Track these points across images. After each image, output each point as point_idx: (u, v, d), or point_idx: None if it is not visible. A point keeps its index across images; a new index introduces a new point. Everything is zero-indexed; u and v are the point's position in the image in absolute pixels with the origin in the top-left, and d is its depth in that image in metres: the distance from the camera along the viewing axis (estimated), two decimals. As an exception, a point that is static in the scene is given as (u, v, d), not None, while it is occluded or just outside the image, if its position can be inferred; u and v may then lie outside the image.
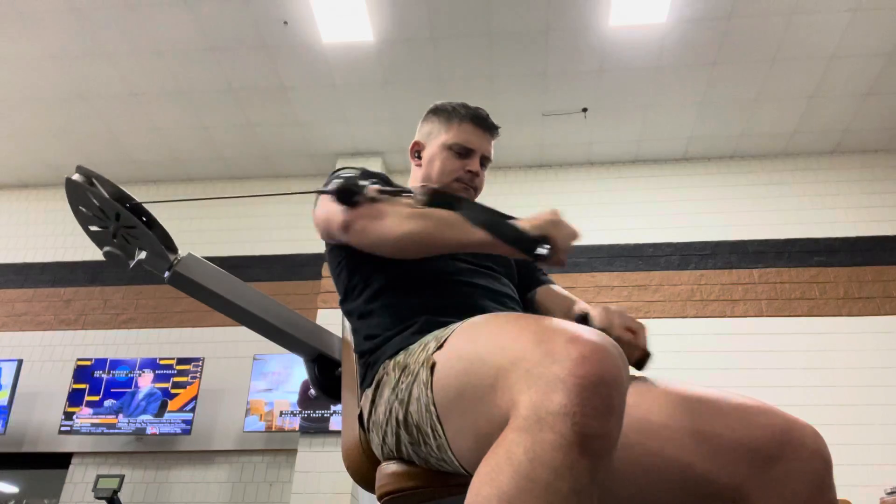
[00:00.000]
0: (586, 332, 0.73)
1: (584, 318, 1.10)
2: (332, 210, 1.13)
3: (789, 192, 4.83)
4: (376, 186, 1.08)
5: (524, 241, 1.00)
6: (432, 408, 0.90)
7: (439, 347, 0.94)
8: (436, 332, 1.01)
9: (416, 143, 1.42)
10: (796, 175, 4.89)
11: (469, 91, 4.41)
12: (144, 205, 1.20)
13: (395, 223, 1.07)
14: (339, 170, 1.30)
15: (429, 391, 0.91)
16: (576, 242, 1.02)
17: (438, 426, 0.90)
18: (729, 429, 0.89)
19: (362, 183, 1.08)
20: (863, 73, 4.22)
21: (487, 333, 0.86)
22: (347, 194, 1.07)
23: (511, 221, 1.03)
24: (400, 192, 1.10)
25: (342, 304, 1.29)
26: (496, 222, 1.02)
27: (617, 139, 4.87)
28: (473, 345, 0.87)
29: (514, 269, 1.37)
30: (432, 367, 0.92)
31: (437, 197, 1.09)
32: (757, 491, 0.86)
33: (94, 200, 1.15)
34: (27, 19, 3.96)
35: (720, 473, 0.87)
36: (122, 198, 1.17)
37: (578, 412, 0.65)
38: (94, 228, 1.21)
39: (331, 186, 1.08)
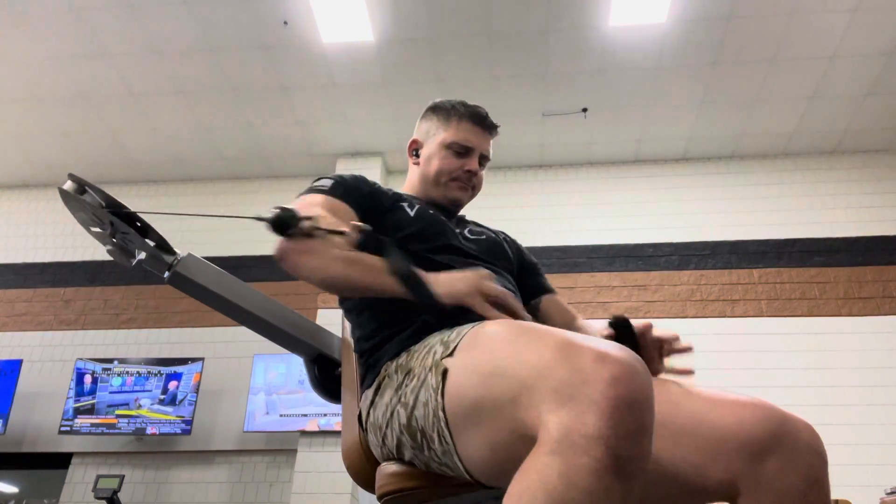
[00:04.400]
0: (613, 350, 0.72)
1: (624, 325, 1.08)
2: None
3: (789, 192, 4.83)
4: (310, 223, 1.08)
5: (434, 307, 1.03)
6: (441, 413, 0.90)
7: (450, 354, 0.93)
8: (440, 336, 1.00)
9: (415, 142, 1.41)
10: (796, 175, 4.89)
11: (469, 91, 4.41)
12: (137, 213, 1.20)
13: (323, 264, 1.08)
14: (324, 176, 1.30)
15: (439, 397, 0.90)
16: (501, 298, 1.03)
17: (446, 432, 0.89)
18: (722, 423, 0.89)
19: (300, 216, 1.08)
20: (863, 73, 4.22)
21: (505, 344, 0.85)
22: (282, 226, 1.08)
23: (429, 282, 1.04)
24: (335, 232, 1.11)
25: (341, 303, 1.28)
26: (415, 281, 1.05)
27: (617, 139, 4.87)
28: (491, 356, 0.86)
29: (514, 266, 1.36)
30: (444, 372, 0.91)
31: (369, 240, 1.11)
32: (751, 485, 0.85)
33: (87, 209, 1.16)
34: (27, 19, 3.96)
35: (714, 467, 0.87)
36: (114, 206, 1.17)
37: (612, 435, 0.65)
38: (95, 229, 1.22)
39: (268, 216, 1.09)
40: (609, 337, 1.05)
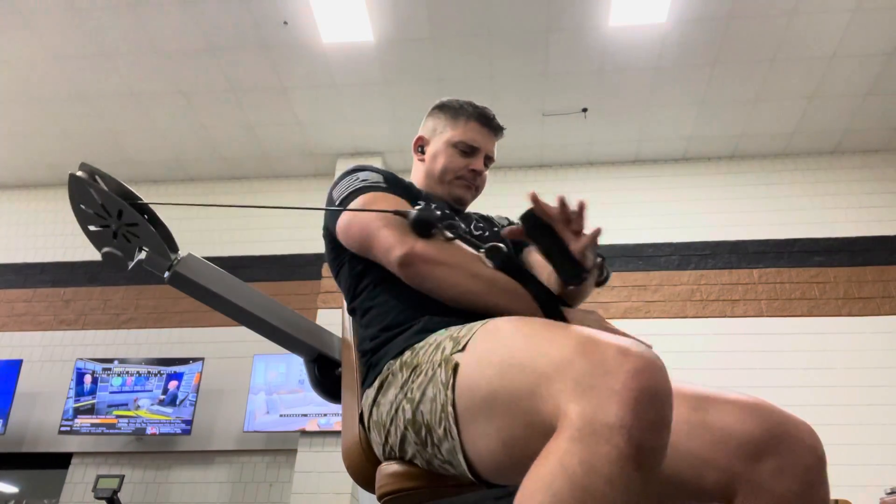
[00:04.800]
0: (634, 345, 0.73)
1: (530, 217, 1.01)
2: (386, 237, 1.08)
3: (789, 192, 4.83)
4: (457, 229, 1.05)
5: None
6: (450, 409, 0.89)
7: (461, 349, 0.93)
8: (447, 332, 1.00)
9: (421, 138, 1.42)
10: (796, 175, 4.89)
11: (469, 91, 4.41)
12: (149, 205, 1.19)
13: (459, 279, 1.05)
14: (355, 169, 1.27)
15: (448, 391, 0.90)
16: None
17: (453, 428, 0.89)
18: (721, 423, 0.88)
19: (443, 217, 1.04)
20: (863, 73, 4.22)
21: (523, 338, 0.86)
22: (425, 226, 1.02)
23: (569, 317, 1.02)
24: (473, 243, 1.06)
25: (347, 304, 1.29)
26: (561, 316, 1.01)
27: (617, 139, 4.87)
28: (507, 349, 0.86)
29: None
30: (454, 367, 0.91)
31: (508, 263, 1.06)
32: (748, 486, 0.85)
33: (97, 197, 1.14)
34: (27, 19, 3.96)
35: (711, 467, 0.87)
36: (126, 195, 1.16)
37: (635, 425, 0.66)
38: (93, 228, 1.20)
39: (412, 216, 1.03)
40: (519, 234, 1.00)
